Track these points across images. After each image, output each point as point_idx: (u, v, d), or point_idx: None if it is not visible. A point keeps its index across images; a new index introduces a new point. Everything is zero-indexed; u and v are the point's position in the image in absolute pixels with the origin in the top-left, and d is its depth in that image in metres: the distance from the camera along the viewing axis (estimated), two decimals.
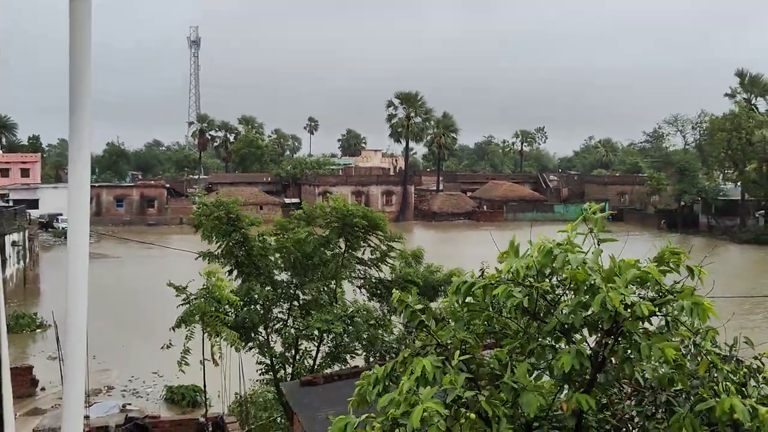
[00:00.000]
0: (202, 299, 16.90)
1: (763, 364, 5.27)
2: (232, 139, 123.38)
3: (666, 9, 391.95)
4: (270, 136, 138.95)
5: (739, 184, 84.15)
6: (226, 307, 17.80)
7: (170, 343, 17.03)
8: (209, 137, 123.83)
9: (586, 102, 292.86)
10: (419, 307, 5.63)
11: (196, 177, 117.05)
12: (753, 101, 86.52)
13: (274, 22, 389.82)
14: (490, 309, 5.50)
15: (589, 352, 5.16)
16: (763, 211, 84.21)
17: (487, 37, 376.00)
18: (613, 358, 5.22)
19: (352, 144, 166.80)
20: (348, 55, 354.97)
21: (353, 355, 19.23)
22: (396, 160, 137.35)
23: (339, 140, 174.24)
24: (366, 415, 5.26)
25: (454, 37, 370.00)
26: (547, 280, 5.29)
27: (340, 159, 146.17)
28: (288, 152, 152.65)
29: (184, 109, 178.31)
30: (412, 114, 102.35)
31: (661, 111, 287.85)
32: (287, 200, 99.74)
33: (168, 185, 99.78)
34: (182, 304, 17.55)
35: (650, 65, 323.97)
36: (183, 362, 16.53)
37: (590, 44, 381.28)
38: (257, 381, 20.96)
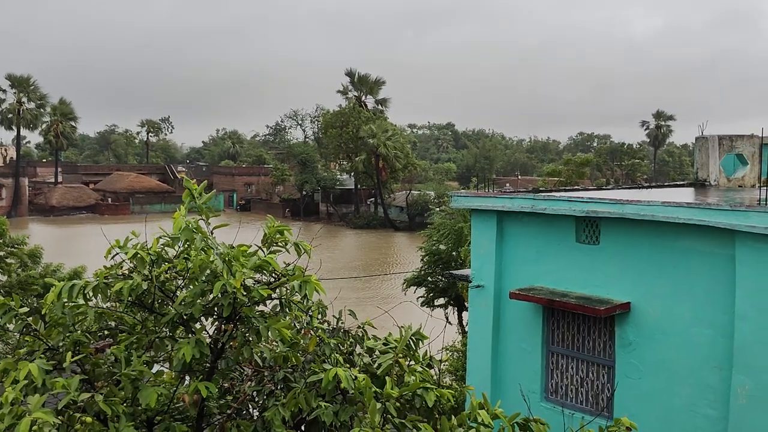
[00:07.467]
0: None
1: (366, 332, 5.86)
2: None
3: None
4: None
5: (352, 174, 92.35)
6: None
7: None
8: None
9: (220, 93, 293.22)
10: (25, 310, 5.17)
11: None
12: (363, 98, 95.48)
13: None
14: (102, 306, 5.26)
15: (209, 340, 5.22)
16: (373, 199, 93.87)
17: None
18: (232, 343, 5.36)
19: None
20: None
21: None
22: (6, 150, 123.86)
23: None
24: None
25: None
26: (164, 270, 5.22)
27: None
28: None
29: None
30: (24, 99, 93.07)
31: (300, 104, 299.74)
32: None
33: None
34: None
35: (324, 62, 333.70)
36: None
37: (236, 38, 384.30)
38: None
